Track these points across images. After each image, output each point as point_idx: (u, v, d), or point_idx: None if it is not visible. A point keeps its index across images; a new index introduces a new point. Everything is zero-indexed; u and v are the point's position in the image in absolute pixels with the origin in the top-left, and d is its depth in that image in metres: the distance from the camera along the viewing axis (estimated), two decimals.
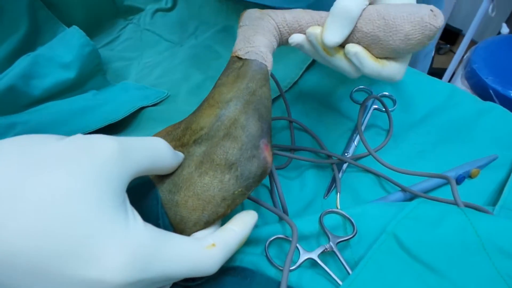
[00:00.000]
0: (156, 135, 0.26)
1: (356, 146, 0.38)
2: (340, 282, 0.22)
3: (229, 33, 0.53)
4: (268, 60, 0.27)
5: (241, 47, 0.27)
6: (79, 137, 0.17)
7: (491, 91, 0.66)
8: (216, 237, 0.20)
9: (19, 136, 0.16)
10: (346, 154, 0.37)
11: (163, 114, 0.38)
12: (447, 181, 0.30)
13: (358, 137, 0.39)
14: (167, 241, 0.18)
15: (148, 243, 0.16)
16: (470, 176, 0.35)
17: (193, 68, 0.47)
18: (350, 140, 0.39)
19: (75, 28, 0.44)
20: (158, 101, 0.41)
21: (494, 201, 0.32)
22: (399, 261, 0.22)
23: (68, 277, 0.15)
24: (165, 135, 0.25)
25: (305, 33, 0.28)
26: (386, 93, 0.42)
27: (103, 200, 0.15)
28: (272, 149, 0.24)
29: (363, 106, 0.37)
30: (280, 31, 0.29)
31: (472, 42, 1.06)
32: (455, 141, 0.38)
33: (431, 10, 0.24)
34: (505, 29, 1.00)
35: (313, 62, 0.45)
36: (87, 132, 0.34)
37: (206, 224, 0.21)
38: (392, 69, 0.26)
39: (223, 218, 0.23)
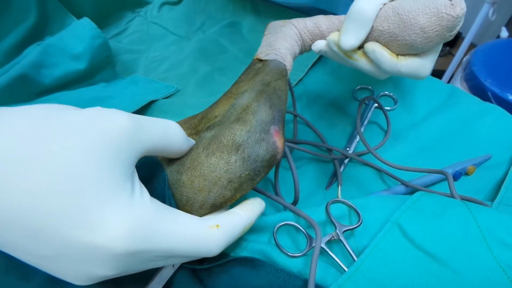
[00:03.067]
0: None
1: (357, 142, 0.39)
2: (346, 269, 0.23)
3: (236, 28, 0.53)
4: (287, 61, 0.28)
5: (263, 51, 0.29)
6: (95, 110, 0.17)
7: (489, 94, 0.68)
8: (221, 219, 0.20)
9: (38, 104, 0.17)
10: (347, 149, 0.38)
11: (172, 107, 0.39)
12: (444, 176, 0.31)
13: (361, 131, 0.40)
14: (171, 216, 0.18)
15: (152, 216, 0.17)
16: (466, 173, 0.36)
17: (200, 61, 0.48)
18: (352, 136, 0.40)
19: (86, 20, 0.44)
20: (168, 95, 0.41)
21: (492, 198, 0.34)
22: (403, 249, 0.23)
23: (70, 241, 0.15)
24: (182, 123, 0.26)
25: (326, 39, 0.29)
26: (387, 93, 0.43)
27: (110, 170, 0.16)
28: (284, 137, 0.24)
29: (360, 108, 0.38)
30: (302, 37, 0.30)
31: (471, 45, 1.07)
32: (454, 141, 0.39)
33: (449, 0, 0.23)
34: (504, 33, 1.01)
35: (317, 60, 0.46)
36: None
37: (212, 207, 0.21)
38: (413, 65, 0.26)
39: (231, 203, 0.23)
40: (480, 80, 0.70)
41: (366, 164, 0.37)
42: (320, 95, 0.44)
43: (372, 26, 0.26)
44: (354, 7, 0.25)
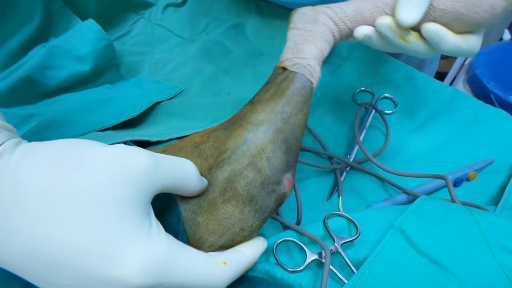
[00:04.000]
0: (182, 141, 0.26)
1: (358, 149, 0.39)
2: (345, 281, 0.23)
3: (240, 30, 0.53)
4: (315, 76, 0.25)
5: (289, 57, 0.25)
6: (119, 147, 0.18)
7: (492, 96, 0.68)
8: (228, 257, 0.21)
9: (65, 139, 0.18)
10: (348, 156, 0.38)
11: (177, 108, 0.39)
12: (445, 182, 0.31)
13: (361, 139, 0.39)
14: (184, 253, 0.19)
15: (167, 252, 0.18)
16: (468, 179, 0.36)
17: (204, 61, 0.48)
18: (353, 143, 0.39)
19: (91, 22, 0.45)
20: (173, 96, 0.41)
21: (494, 203, 0.34)
22: (407, 256, 0.23)
23: (92, 274, 0.16)
24: (192, 146, 0.25)
25: (371, 25, 0.26)
26: (387, 95, 0.43)
27: (132, 208, 0.17)
28: (294, 182, 0.24)
29: (358, 115, 0.38)
30: (339, 29, 0.26)
31: None
32: (457, 146, 0.38)
33: None
34: (507, 36, 1.01)
35: None
36: (104, 127, 0.35)
37: (221, 248, 0.22)
38: (473, 42, 0.25)
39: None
40: (483, 82, 0.71)
41: (367, 173, 0.36)
42: (321, 98, 0.43)
43: (432, 5, 0.24)
44: None
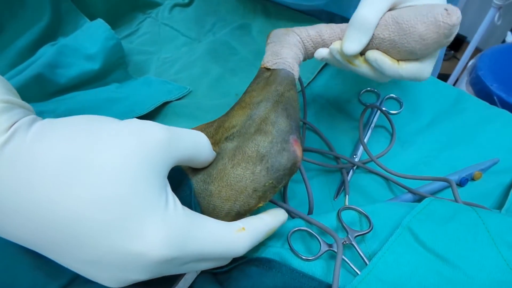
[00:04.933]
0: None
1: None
2: (358, 272, 0.24)
3: (246, 30, 0.54)
4: (295, 70, 0.29)
5: (269, 60, 0.29)
6: (133, 121, 0.18)
7: (495, 98, 0.68)
8: (246, 222, 0.21)
9: (81, 115, 0.18)
10: (354, 156, 0.38)
11: (185, 109, 0.40)
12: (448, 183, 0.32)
13: (366, 141, 0.40)
14: (202, 223, 0.19)
15: (185, 224, 0.18)
16: (472, 178, 0.36)
17: (211, 62, 0.49)
18: (358, 143, 0.39)
19: (100, 21, 0.45)
20: (181, 96, 0.42)
21: (500, 204, 0.34)
22: (415, 252, 0.23)
23: (113, 248, 0.16)
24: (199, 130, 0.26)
25: (328, 47, 0.30)
26: (393, 95, 0.43)
27: (150, 181, 0.17)
28: (302, 145, 0.25)
29: (363, 116, 0.38)
30: (304, 45, 0.30)
31: (477, 50, 1.08)
32: (462, 146, 0.39)
33: (445, 9, 0.24)
34: (510, 38, 1.02)
35: (324, 66, 0.46)
36: None
37: (237, 215, 0.22)
38: (414, 69, 0.27)
39: (254, 211, 0.23)
40: (486, 84, 0.71)
41: (373, 173, 0.37)
42: (326, 99, 0.44)
43: (374, 34, 0.27)
44: (356, 15, 0.26)
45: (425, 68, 0.27)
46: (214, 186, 0.22)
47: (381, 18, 0.27)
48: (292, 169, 0.24)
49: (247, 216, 0.23)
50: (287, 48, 0.29)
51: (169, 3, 0.60)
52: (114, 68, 0.45)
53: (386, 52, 0.27)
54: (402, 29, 0.26)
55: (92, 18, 0.51)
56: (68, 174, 0.15)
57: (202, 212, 0.22)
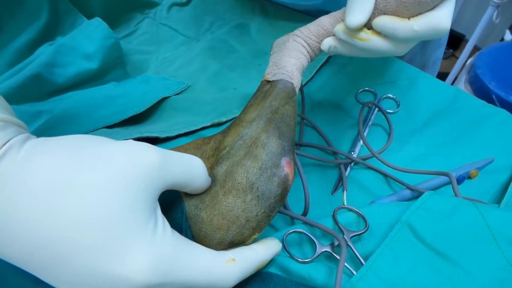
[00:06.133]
0: (186, 144, 0.26)
1: (362, 145, 0.39)
2: (354, 272, 0.23)
3: (244, 30, 0.54)
4: (294, 78, 0.27)
5: (270, 72, 0.28)
6: (127, 143, 0.18)
7: (493, 96, 0.68)
8: (237, 253, 0.21)
9: (73, 135, 0.18)
10: (352, 153, 0.38)
11: (183, 103, 0.40)
12: (449, 179, 0.32)
13: (364, 135, 0.40)
14: (191, 251, 0.19)
15: (173, 250, 0.17)
16: (469, 177, 0.36)
17: (210, 59, 0.49)
18: (356, 140, 0.40)
19: (98, 20, 0.45)
20: (179, 92, 0.42)
21: (496, 202, 0.34)
22: (414, 248, 0.23)
23: (97, 270, 0.16)
24: (194, 147, 0.25)
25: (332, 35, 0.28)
26: (390, 95, 0.43)
27: (138, 205, 0.17)
28: (295, 167, 0.24)
29: (362, 114, 0.38)
30: (308, 44, 0.29)
31: (475, 48, 1.08)
32: (459, 144, 0.39)
33: None
34: (508, 36, 1.02)
35: (322, 66, 0.46)
36: (112, 123, 0.36)
37: (230, 245, 0.22)
38: (430, 21, 0.24)
39: (249, 243, 0.23)
40: (484, 83, 0.71)
41: (371, 168, 0.37)
42: (324, 98, 0.44)
43: (376, 0, 0.25)
44: None
45: (442, 16, 0.24)
46: (206, 214, 0.22)
47: None
48: (283, 194, 0.23)
49: (241, 245, 0.22)
50: (287, 55, 0.28)
51: (167, 2, 0.60)
52: (112, 67, 0.45)
53: (394, 14, 0.25)
54: None
55: (90, 18, 0.50)
56: (54, 195, 0.15)
57: (193, 237, 0.22)
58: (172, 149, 0.25)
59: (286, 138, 0.24)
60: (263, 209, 0.22)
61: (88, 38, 0.43)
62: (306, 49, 0.29)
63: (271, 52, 0.30)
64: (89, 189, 0.16)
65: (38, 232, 0.15)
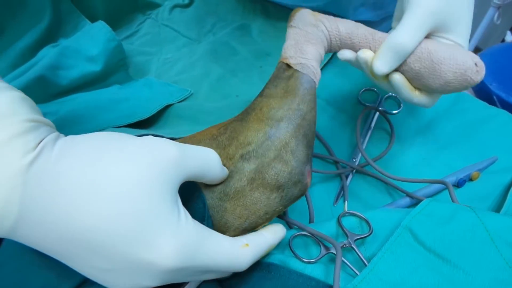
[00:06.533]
0: (200, 134, 0.27)
1: (364, 150, 0.39)
2: (358, 273, 0.24)
3: (246, 31, 0.54)
4: (317, 77, 0.27)
5: (293, 55, 0.27)
6: (148, 139, 0.19)
7: (494, 98, 0.68)
8: (250, 239, 0.23)
9: (99, 132, 0.19)
10: (354, 159, 0.38)
11: (187, 111, 0.40)
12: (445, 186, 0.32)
13: (366, 142, 0.40)
14: (211, 238, 0.20)
15: (195, 237, 0.19)
16: (470, 179, 0.36)
17: (212, 63, 0.49)
18: (357, 146, 0.40)
19: (101, 23, 0.45)
20: (183, 99, 0.42)
21: (498, 205, 0.34)
22: (414, 252, 0.24)
23: (128, 257, 0.17)
24: (210, 138, 0.26)
25: (355, 51, 0.29)
26: (392, 95, 0.43)
27: (164, 196, 0.18)
28: (311, 174, 0.26)
29: (361, 118, 0.38)
30: (331, 41, 0.29)
31: (476, 49, 1.08)
32: (461, 146, 0.39)
33: (476, 65, 0.25)
34: (509, 37, 1.02)
35: (324, 65, 0.46)
36: (115, 127, 0.36)
37: (243, 231, 0.24)
38: (425, 101, 0.29)
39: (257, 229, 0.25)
40: (485, 84, 0.71)
41: (371, 176, 0.37)
42: (326, 100, 0.44)
43: (405, 60, 0.27)
44: (396, 39, 0.26)
45: (433, 101, 0.30)
46: (230, 204, 0.24)
47: (417, 46, 0.27)
48: (299, 198, 0.25)
49: (250, 233, 0.24)
50: (313, 44, 0.27)
51: (169, 3, 0.60)
52: (115, 69, 0.45)
53: (408, 78, 0.28)
54: (434, 69, 0.26)
55: (92, 19, 0.51)
56: (86, 193, 0.17)
57: (213, 224, 0.24)
58: (186, 137, 0.27)
59: (310, 147, 0.26)
60: (281, 206, 0.24)
61: (91, 40, 0.44)
62: (327, 44, 0.29)
63: (291, 24, 0.28)
64: (116, 184, 0.17)
65: (74, 224, 0.17)
